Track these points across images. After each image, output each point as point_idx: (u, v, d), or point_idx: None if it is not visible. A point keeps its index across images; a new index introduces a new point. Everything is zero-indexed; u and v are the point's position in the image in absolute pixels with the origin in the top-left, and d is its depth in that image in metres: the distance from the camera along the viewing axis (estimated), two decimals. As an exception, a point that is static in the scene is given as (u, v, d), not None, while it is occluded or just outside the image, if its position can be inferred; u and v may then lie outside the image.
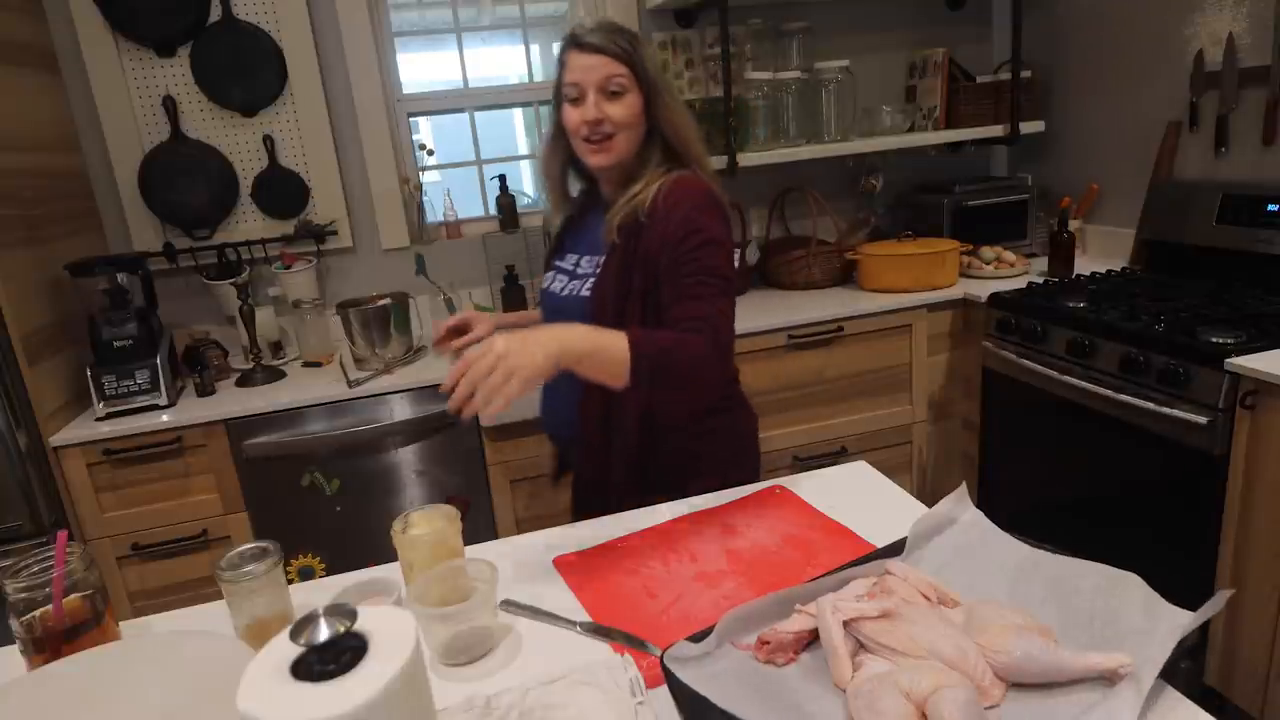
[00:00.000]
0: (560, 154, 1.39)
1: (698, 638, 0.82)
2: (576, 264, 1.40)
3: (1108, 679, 0.72)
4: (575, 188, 1.47)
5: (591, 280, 1.33)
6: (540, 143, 1.46)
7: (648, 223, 1.27)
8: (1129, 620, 0.78)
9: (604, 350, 1.07)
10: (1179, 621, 0.73)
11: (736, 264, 2.58)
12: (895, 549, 0.95)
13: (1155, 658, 0.70)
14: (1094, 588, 0.84)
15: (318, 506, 2.07)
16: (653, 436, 1.33)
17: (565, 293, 1.38)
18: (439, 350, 1.43)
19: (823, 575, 0.90)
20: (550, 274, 1.44)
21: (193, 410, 1.98)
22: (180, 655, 0.80)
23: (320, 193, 2.46)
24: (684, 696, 0.76)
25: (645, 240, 1.27)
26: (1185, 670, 1.77)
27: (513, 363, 0.96)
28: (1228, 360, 1.59)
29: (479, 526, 2.17)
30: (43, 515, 1.86)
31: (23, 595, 0.88)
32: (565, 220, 1.48)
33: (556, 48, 1.36)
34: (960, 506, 0.99)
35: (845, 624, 0.79)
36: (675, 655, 0.80)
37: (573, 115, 1.29)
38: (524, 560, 1.10)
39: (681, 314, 1.20)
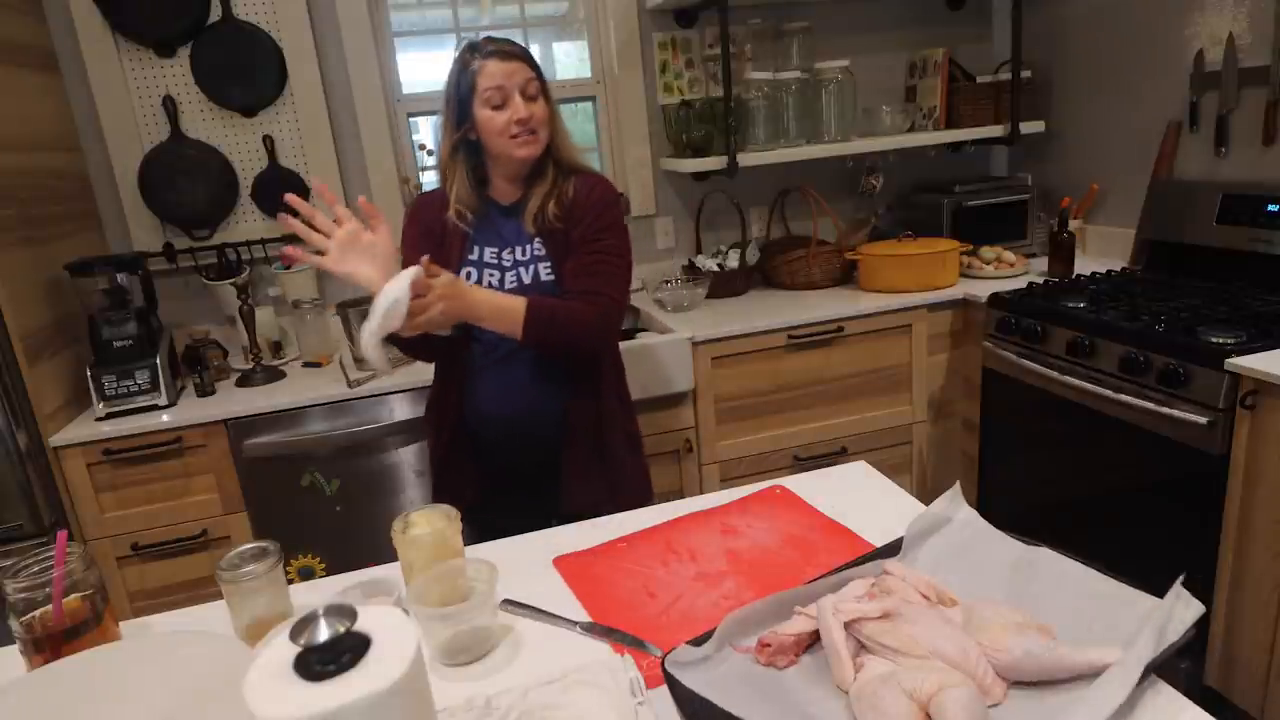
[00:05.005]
0: (464, 164, 1.48)
1: (698, 641, 0.82)
2: (499, 258, 1.50)
3: (1108, 678, 0.72)
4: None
5: (532, 267, 1.49)
6: (445, 164, 1.51)
7: (575, 211, 1.47)
8: (1130, 625, 0.78)
9: (506, 310, 1.36)
10: (1159, 621, 0.73)
11: (736, 264, 2.59)
12: (892, 549, 0.95)
13: (1143, 652, 0.70)
14: (1094, 591, 0.84)
15: (318, 506, 2.07)
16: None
17: (512, 285, 1.49)
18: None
19: (821, 576, 0.90)
20: (469, 270, 1.50)
21: (193, 410, 1.98)
22: (180, 655, 0.80)
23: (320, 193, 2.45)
24: (686, 701, 0.75)
25: (572, 225, 1.47)
26: (1185, 670, 1.77)
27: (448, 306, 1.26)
28: (1228, 360, 1.59)
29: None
30: (43, 515, 1.86)
31: (23, 595, 0.88)
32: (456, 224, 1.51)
33: (462, 58, 1.45)
34: (954, 506, 0.99)
35: (846, 625, 0.79)
36: (676, 659, 0.79)
37: (498, 118, 1.40)
38: (524, 560, 1.10)
39: (581, 285, 1.43)
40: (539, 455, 1.54)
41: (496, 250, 1.51)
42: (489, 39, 1.43)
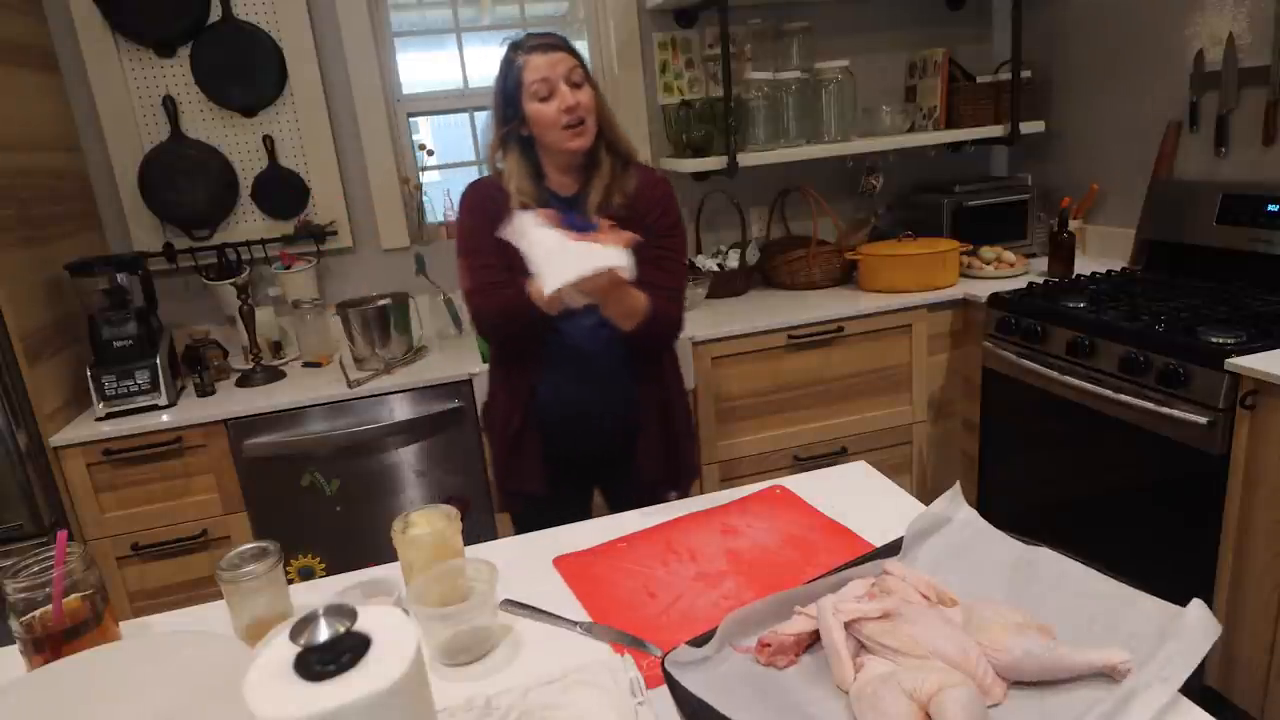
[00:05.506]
0: (520, 159, 1.50)
1: (698, 642, 0.82)
2: None
3: (1107, 675, 0.72)
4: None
5: None
6: (495, 160, 1.55)
7: (639, 204, 1.50)
8: (1130, 624, 0.78)
9: (639, 302, 1.39)
10: (1190, 647, 0.72)
11: (736, 264, 2.59)
12: (892, 549, 0.95)
13: (1167, 682, 0.69)
14: (1094, 591, 0.84)
15: (318, 506, 2.07)
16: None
17: None
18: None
19: (821, 576, 0.90)
20: None
21: (193, 410, 1.98)
22: (180, 655, 0.80)
23: (320, 193, 2.46)
24: (686, 701, 0.75)
25: (638, 219, 1.48)
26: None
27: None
28: (1228, 360, 1.59)
29: (479, 526, 2.17)
30: (43, 515, 1.86)
31: (23, 595, 0.88)
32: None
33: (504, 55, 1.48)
34: (954, 506, 0.99)
35: (846, 625, 0.79)
36: (676, 660, 0.79)
37: (547, 110, 1.42)
38: (524, 560, 1.10)
39: (658, 280, 1.45)
40: (605, 442, 1.59)
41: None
42: (530, 34, 1.47)
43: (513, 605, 0.98)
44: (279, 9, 2.32)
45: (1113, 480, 1.92)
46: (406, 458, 2.10)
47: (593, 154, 1.50)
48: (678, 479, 1.61)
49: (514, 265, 1.43)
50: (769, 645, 0.81)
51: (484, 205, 1.52)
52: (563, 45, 1.45)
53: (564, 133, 1.43)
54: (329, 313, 2.40)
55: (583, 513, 1.63)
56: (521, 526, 1.59)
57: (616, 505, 1.59)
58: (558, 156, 1.50)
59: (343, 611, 0.56)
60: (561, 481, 1.61)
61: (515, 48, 1.46)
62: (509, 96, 1.46)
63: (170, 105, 2.29)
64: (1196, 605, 0.75)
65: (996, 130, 2.63)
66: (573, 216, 1.51)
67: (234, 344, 2.34)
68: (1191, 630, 0.73)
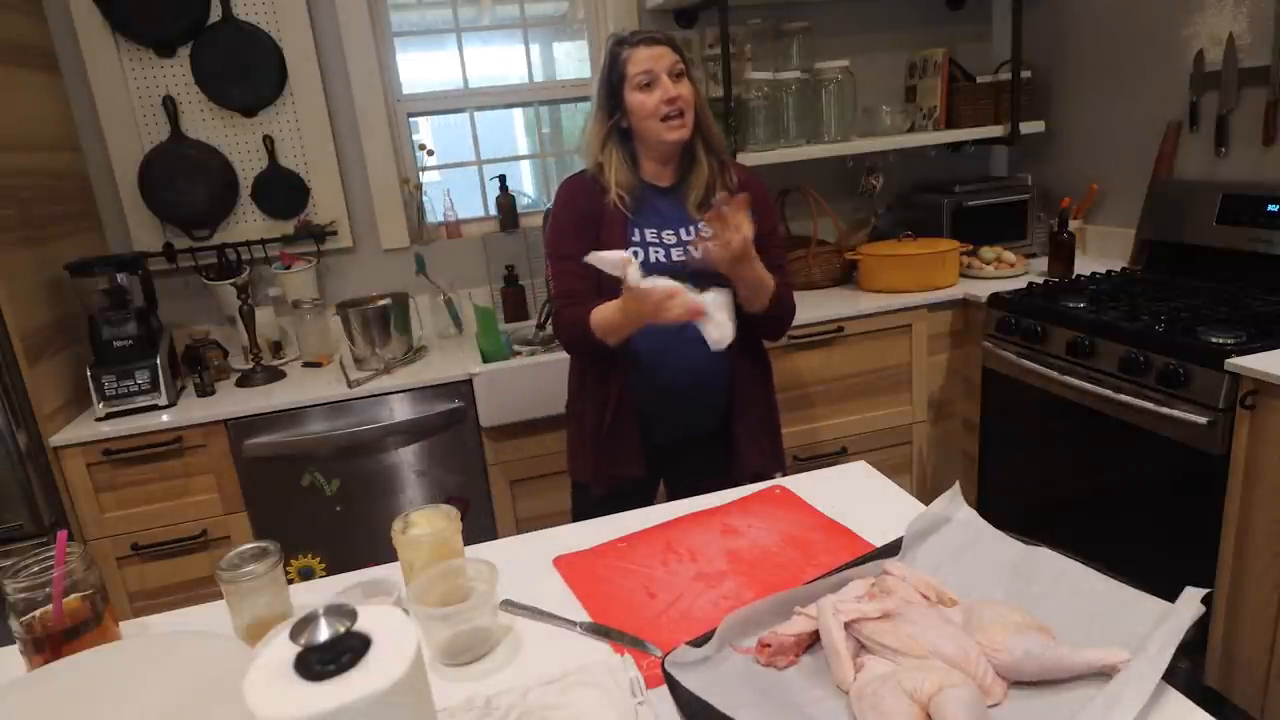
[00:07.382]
0: (624, 151, 1.54)
1: (698, 642, 0.82)
2: (660, 236, 1.55)
3: (1107, 675, 0.72)
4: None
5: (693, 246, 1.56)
6: (598, 152, 1.56)
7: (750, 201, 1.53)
8: (1130, 625, 0.78)
9: (764, 282, 1.48)
10: (1173, 626, 0.73)
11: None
12: (892, 549, 0.95)
13: (1154, 664, 0.70)
14: (1094, 591, 0.84)
15: (318, 506, 2.07)
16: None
17: (681, 258, 1.54)
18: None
19: (821, 576, 0.90)
20: (635, 249, 1.54)
21: (193, 410, 1.98)
22: (180, 655, 0.80)
23: (320, 193, 2.46)
24: (686, 702, 0.75)
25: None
26: (1185, 670, 1.77)
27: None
28: (1228, 360, 1.59)
29: (479, 526, 2.17)
30: (43, 515, 1.86)
31: (23, 595, 0.88)
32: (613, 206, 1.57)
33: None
34: (954, 506, 0.99)
35: (846, 625, 0.79)
36: (676, 660, 0.79)
37: (649, 100, 1.47)
38: (524, 560, 1.10)
39: (776, 275, 1.55)
40: (707, 424, 1.61)
41: (656, 230, 1.56)
42: (634, 31, 1.54)
43: (513, 605, 0.98)
44: (279, 9, 2.32)
45: (1113, 480, 1.92)
46: (406, 458, 2.10)
47: (690, 149, 1.55)
48: (778, 465, 1.65)
49: (601, 275, 1.47)
50: (769, 645, 0.81)
51: (576, 201, 1.56)
52: (666, 41, 1.49)
53: (663, 124, 1.48)
54: (329, 313, 2.40)
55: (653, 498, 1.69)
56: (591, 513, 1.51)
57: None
58: (655, 148, 1.54)
59: (343, 611, 0.56)
60: (656, 468, 1.64)
61: (620, 42, 1.51)
62: (612, 88, 1.51)
63: (170, 105, 2.29)
64: (1186, 591, 0.76)
65: (996, 130, 2.63)
66: (666, 202, 1.57)
67: (234, 344, 2.34)
68: (1178, 614, 0.74)
